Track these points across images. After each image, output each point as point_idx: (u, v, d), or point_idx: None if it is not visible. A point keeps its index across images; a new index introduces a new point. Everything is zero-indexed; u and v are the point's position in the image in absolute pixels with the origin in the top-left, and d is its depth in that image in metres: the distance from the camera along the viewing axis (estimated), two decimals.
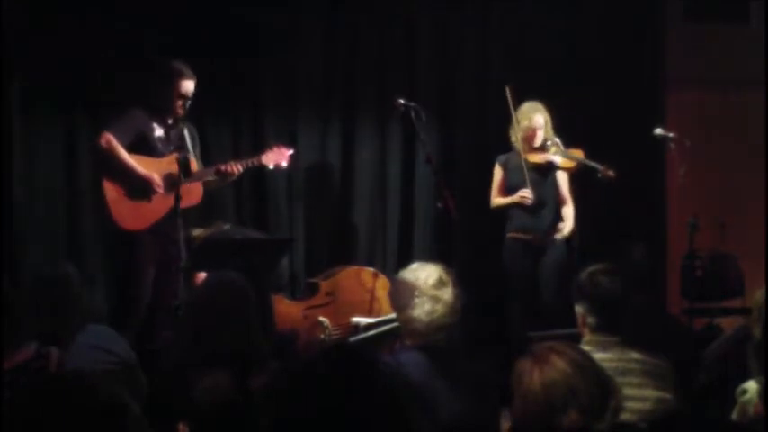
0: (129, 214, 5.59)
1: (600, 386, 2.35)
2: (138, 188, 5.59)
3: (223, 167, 5.75)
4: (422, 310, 3.32)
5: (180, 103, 5.63)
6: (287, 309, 6.02)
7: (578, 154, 6.18)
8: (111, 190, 5.59)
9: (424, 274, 3.38)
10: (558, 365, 2.35)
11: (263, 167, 5.87)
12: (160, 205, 5.61)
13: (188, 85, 5.65)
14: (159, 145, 5.69)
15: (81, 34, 6.08)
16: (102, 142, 5.57)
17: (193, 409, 2.67)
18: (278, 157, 5.85)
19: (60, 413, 1.64)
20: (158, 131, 5.69)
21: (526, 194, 6.11)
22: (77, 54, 6.07)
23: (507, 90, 6.18)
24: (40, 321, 3.34)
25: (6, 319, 2.99)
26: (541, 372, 2.35)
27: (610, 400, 2.34)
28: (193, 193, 5.76)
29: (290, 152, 5.89)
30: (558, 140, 6.15)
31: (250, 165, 5.80)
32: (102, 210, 5.59)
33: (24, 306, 3.24)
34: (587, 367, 2.38)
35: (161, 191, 5.61)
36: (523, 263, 6.16)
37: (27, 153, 6.05)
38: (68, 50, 6.05)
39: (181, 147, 5.57)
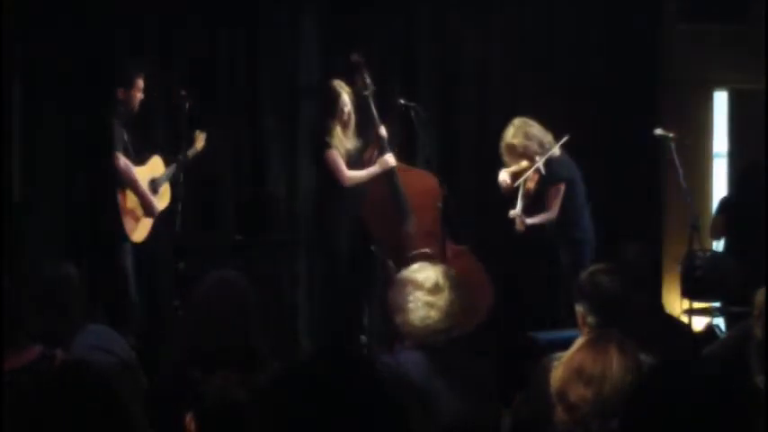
0: (138, 227, 5.72)
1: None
2: (145, 205, 5.72)
3: (181, 158, 5.84)
4: (415, 315, 3.30)
5: (138, 102, 5.69)
6: None
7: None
8: (125, 204, 5.67)
9: (421, 277, 3.36)
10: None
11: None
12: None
13: (141, 83, 5.69)
14: (131, 148, 5.73)
15: (81, 34, 6.08)
16: (122, 164, 5.59)
17: (201, 407, 2.66)
18: (200, 141, 5.99)
19: (62, 405, 1.64)
20: (125, 135, 5.72)
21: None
22: (77, 54, 6.07)
23: None
24: (41, 321, 3.34)
25: (6, 319, 2.99)
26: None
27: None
28: (166, 195, 5.86)
29: (203, 134, 6.03)
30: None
31: (191, 155, 5.92)
32: (112, 220, 5.66)
33: (24, 306, 3.24)
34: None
35: (157, 213, 5.76)
36: None
37: (27, 153, 6.05)
38: (68, 50, 6.05)
39: (152, 148, 5.66)
